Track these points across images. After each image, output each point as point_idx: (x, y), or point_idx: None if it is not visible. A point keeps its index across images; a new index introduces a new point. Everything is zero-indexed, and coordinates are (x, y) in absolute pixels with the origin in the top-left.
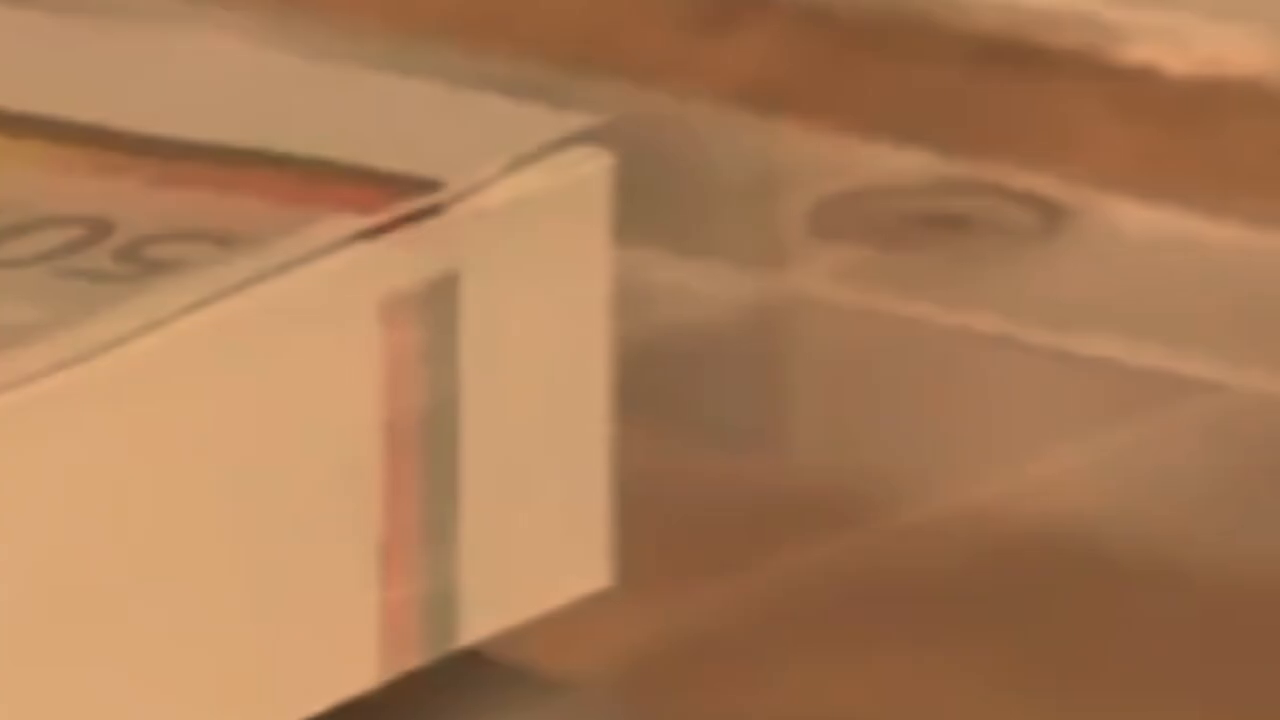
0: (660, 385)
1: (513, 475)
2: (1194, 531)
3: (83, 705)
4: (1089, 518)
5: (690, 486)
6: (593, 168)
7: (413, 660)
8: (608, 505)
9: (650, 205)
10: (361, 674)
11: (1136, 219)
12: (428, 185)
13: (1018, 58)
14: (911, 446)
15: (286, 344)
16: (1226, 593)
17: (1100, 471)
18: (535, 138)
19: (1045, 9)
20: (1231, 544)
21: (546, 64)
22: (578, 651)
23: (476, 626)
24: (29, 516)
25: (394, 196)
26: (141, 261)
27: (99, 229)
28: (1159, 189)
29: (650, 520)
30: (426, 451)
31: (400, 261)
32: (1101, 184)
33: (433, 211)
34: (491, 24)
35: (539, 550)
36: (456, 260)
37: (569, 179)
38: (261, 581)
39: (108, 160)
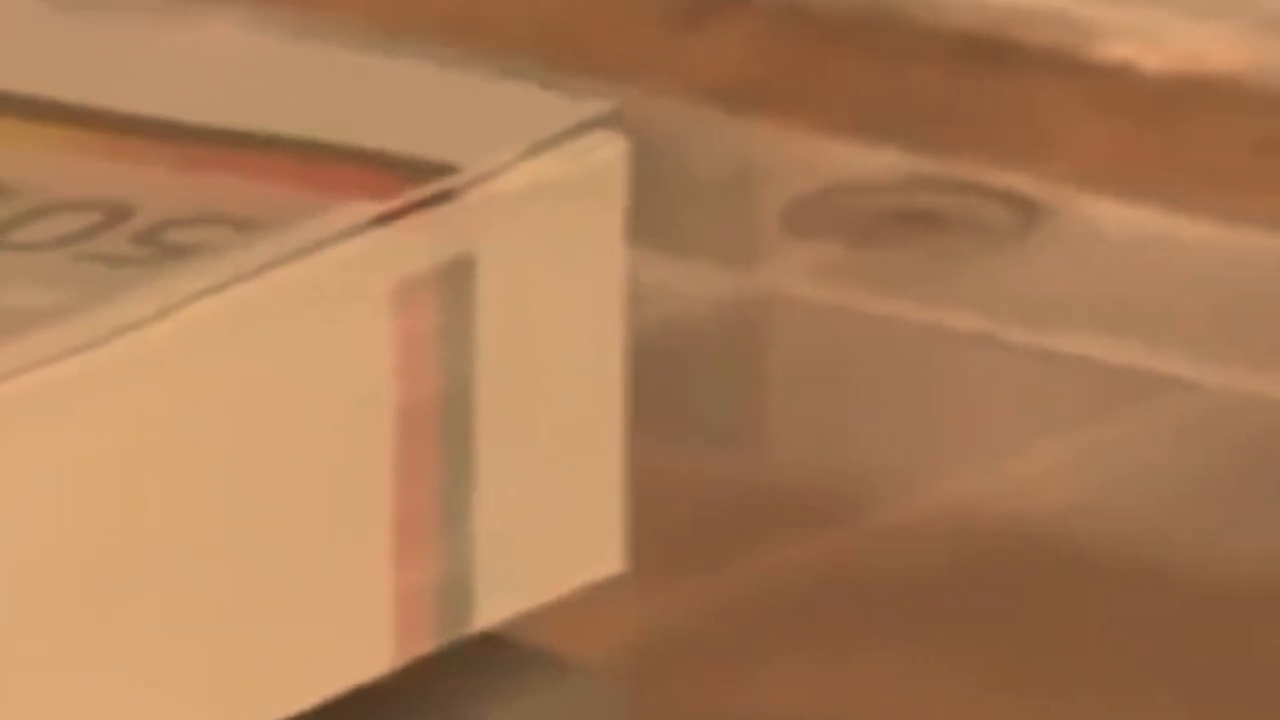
0: (636, 382)
1: (528, 460)
2: (1172, 529)
3: (91, 689)
4: (1067, 515)
5: (667, 484)
6: (608, 153)
7: (427, 645)
8: (622, 490)
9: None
10: (375, 659)
11: (1114, 217)
12: (443, 170)
13: (994, 55)
14: (890, 444)
15: (301, 328)
16: (1205, 591)
17: (1078, 469)
18: (551, 122)
19: (1021, 6)
20: (1210, 542)
21: (523, 62)
22: (554, 648)
23: (491, 611)
24: (46, 499)
25: (410, 181)
26: (160, 245)
27: (117, 213)
28: (1136, 186)
29: (628, 518)
30: (441, 436)
31: (415, 246)
32: (1078, 181)
33: (448, 196)
34: (468, 21)
35: (553, 535)
36: (472, 245)
37: (585, 164)
38: (274, 567)
39: (127, 145)
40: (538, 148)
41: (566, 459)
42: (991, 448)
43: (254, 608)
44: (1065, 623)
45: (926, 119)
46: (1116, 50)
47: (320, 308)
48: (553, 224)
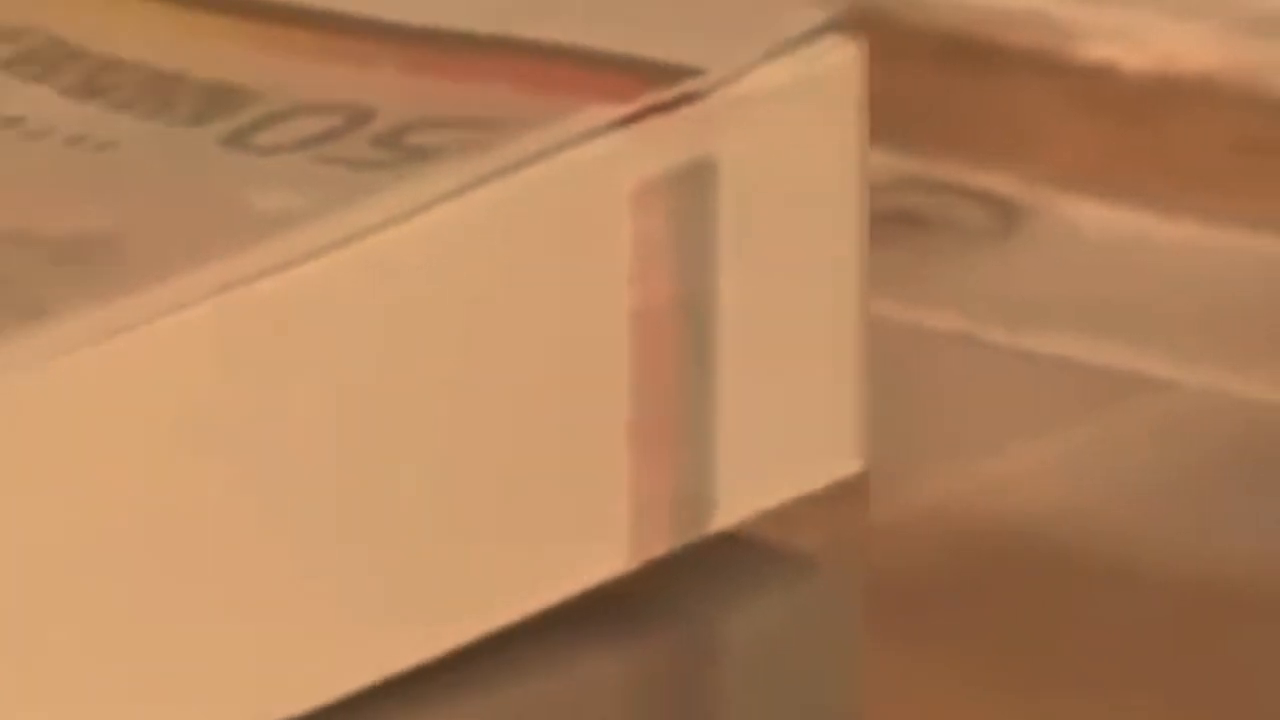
0: None
1: (767, 361)
2: (1153, 529)
3: (328, 588)
4: (1047, 515)
5: None
6: (843, 56)
7: (664, 545)
8: (862, 391)
9: None
10: (612, 560)
11: (1094, 217)
12: (685, 73)
13: (974, 55)
14: (871, 444)
15: (541, 231)
16: (1186, 590)
17: (1058, 469)
18: (786, 26)
19: (1002, 7)
20: (1190, 541)
21: None
22: None
23: (730, 513)
24: (292, 397)
25: (650, 85)
26: (400, 148)
27: (359, 116)
28: (1116, 187)
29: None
30: (680, 338)
31: (656, 150)
32: (1060, 182)
33: (689, 99)
34: None
35: (792, 436)
36: (712, 148)
37: (822, 68)
38: (510, 468)
39: (367, 49)
40: (776, 51)
41: (805, 360)
42: (971, 448)
43: (488, 508)
44: (1046, 622)
45: (908, 119)
46: (1097, 51)
47: (560, 211)
48: (791, 127)
